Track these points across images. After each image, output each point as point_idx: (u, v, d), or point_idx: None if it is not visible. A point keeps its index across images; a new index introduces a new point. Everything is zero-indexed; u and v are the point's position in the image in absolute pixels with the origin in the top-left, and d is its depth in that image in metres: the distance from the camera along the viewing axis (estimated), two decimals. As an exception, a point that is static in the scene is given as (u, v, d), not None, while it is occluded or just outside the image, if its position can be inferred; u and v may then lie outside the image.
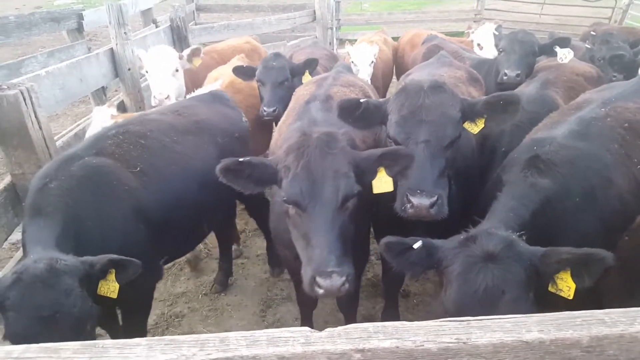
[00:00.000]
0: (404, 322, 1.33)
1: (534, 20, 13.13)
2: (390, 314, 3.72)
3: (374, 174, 2.33)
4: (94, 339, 2.21)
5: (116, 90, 7.54)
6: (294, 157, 2.22)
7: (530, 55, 4.34)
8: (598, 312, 1.27)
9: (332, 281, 2.00)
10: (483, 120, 2.54)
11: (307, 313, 3.49)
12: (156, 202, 2.79)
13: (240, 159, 2.27)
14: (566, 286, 1.94)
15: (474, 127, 2.56)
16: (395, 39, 8.02)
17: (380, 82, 6.55)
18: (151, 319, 3.90)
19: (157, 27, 7.87)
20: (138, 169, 2.75)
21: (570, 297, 1.94)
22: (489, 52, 5.46)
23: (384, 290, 3.88)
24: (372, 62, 5.84)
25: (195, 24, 10.75)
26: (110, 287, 2.26)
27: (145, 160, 2.85)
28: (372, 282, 4.35)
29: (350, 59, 5.83)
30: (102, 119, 3.75)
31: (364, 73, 5.67)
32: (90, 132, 3.57)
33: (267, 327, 3.88)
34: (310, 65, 4.65)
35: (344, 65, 4.43)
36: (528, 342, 1.22)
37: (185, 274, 4.49)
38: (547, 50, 4.36)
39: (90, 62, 4.72)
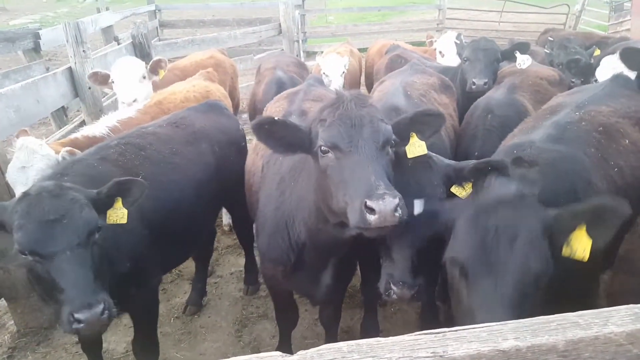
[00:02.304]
0: (379, 339, 1.27)
1: (494, 28, 13.53)
2: (370, 324, 3.67)
3: (406, 140, 2.31)
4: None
5: (78, 111, 7.31)
6: (330, 110, 2.16)
7: (494, 62, 4.48)
8: (571, 315, 1.25)
9: (385, 203, 1.83)
10: (470, 185, 2.40)
11: (286, 332, 3.39)
12: (156, 210, 2.86)
13: (275, 118, 2.25)
14: (581, 247, 1.88)
15: (462, 192, 2.43)
16: (361, 50, 8.10)
17: (349, 92, 6.57)
18: (121, 347, 3.73)
19: (119, 44, 7.71)
20: (140, 177, 2.71)
21: (585, 259, 1.87)
22: (451, 60, 5.57)
23: (363, 301, 3.84)
24: (344, 72, 5.86)
25: (160, 41, 10.60)
26: (118, 214, 2.38)
27: (147, 170, 2.94)
28: (349, 293, 4.29)
29: (321, 70, 5.84)
30: (27, 153, 3.15)
31: (336, 84, 5.67)
32: (12, 168, 3.16)
33: (243, 348, 3.77)
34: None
35: (315, 77, 4.40)
36: (505, 351, 1.19)
37: (155, 297, 4.33)
38: (508, 55, 4.49)
39: (47, 82, 4.55)
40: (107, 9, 10.92)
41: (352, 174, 2.00)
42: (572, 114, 2.75)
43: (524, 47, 4.41)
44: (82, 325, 2.02)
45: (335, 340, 3.40)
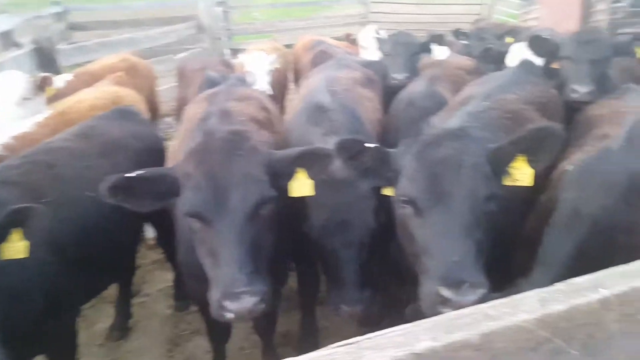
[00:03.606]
0: (292, 359, 1.19)
1: (416, 20, 13.91)
2: (308, 327, 3.59)
3: (291, 176, 2.14)
4: None
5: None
6: (196, 161, 1.96)
7: (413, 56, 4.57)
8: (483, 306, 1.23)
9: (242, 303, 1.79)
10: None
11: (219, 346, 3.23)
12: (70, 234, 2.62)
13: (129, 174, 1.98)
14: (522, 174, 1.95)
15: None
16: (288, 46, 8.00)
17: (277, 90, 6.46)
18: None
19: (19, 50, 7.05)
20: (48, 199, 2.48)
21: (531, 184, 1.96)
22: (373, 54, 5.61)
23: (300, 303, 3.75)
24: (270, 70, 5.69)
25: (69, 44, 9.86)
26: (16, 248, 2.08)
27: (58, 190, 2.68)
28: (286, 295, 4.18)
29: (246, 68, 5.64)
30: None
31: (263, 82, 5.50)
32: None
33: (175, 368, 3.58)
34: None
35: (237, 77, 4.25)
36: (419, 354, 1.14)
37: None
38: (426, 48, 4.59)
39: None
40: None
41: (213, 256, 1.89)
42: (482, 103, 2.84)
43: (439, 39, 4.54)
44: None
45: (272, 348, 3.30)
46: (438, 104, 3.44)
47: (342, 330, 3.61)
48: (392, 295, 3.26)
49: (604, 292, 1.26)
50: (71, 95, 4.26)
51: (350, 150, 2.00)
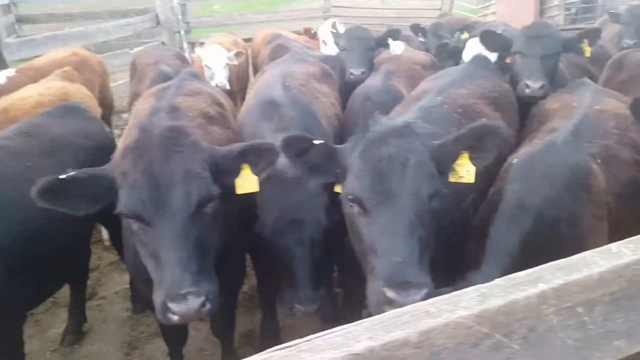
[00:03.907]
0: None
1: (378, 15, 13.98)
2: (269, 325, 3.56)
3: (236, 172, 2.08)
4: None
5: None
6: (132, 160, 1.87)
7: (370, 51, 4.57)
8: (424, 304, 1.23)
9: (187, 304, 1.72)
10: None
11: (176, 349, 3.15)
12: (12, 237, 2.48)
13: (62, 176, 1.87)
14: (465, 171, 1.98)
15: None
16: (247, 40, 7.87)
17: (236, 85, 6.35)
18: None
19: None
20: None
21: (472, 181, 1.98)
22: (333, 48, 5.59)
23: (261, 302, 3.71)
24: (227, 64, 5.58)
25: (18, 38, 9.39)
26: None
27: None
28: (249, 295, 4.14)
29: (203, 63, 5.51)
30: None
31: (220, 76, 5.37)
32: None
33: (132, 373, 3.48)
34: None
35: (189, 71, 4.12)
36: (358, 354, 1.13)
37: (25, 331, 3.81)
38: (383, 43, 4.60)
39: None
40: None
41: (156, 258, 1.82)
42: (435, 98, 2.87)
43: (395, 34, 4.56)
44: None
45: (232, 349, 3.25)
46: (394, 99, 3.46)
47: (305, 329, 3.60)
48: (353, 289, 3.28)
49: (541, 286, 1.28)
50: (15, 91, 4.04)
51: (297, 147, 1.97)
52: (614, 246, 1.42)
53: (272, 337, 3.38)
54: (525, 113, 3.34)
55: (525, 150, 2.53)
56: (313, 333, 1.15)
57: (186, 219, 1.82)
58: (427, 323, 1.17)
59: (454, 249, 2.34)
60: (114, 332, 3.78)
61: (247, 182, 2.09)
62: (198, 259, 1.80)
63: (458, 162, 1.97)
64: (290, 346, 1.15)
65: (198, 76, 3.97)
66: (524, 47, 3.60)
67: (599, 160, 2.41)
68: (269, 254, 2.33)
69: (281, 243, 2.21)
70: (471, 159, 1.97)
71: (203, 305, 1.76)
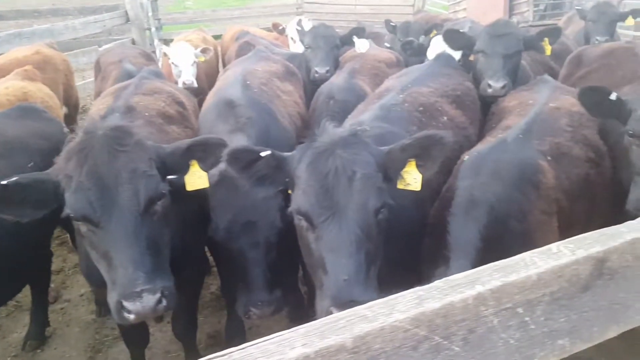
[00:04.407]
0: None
1: (352, 11, 13.96)
2: (234, 326, 3.53)
3: (185, 169, 2.06)
4: None
5: None
6: (76, 161, 1.84)
7: (334, 49, 4.57)
8: (360, 309, 1.23)
9: (142, 302, 1.71)
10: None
11: (137, 352, 3.10)
12: None
13: (3, 182, 1.81)
14: (412, 178, 2.00)
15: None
16: (217, 37, 7.77)
17: (205, 82, 6.27)
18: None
19: None
20: None
21: (419, 189, 2.00)
22: (300, 46, 5.56)
23: (226, 303, 3.68)
24: (195, 61, 5.50)
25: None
26: None
27: None
28: (216, 295, 4.10)
29: (170, 60, 5.42)
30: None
31: (187, 74, 5.29)
32: None
33: (96, 377, 3.41)
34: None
35: (150, 70, 4.05)
36: (291, 362, 1.12)
37: (-16, 338, 3.72)
38: (348, 40, 4.59)
39: None
40: None
41: (107, 258, 1.80)
42: (397, 97, 2.88)
43: (360, 32, 4.56)
44: None
45: (195, 351, 3.21)
46: (357, 97, 3.47)
47: (274, 328, 3.57)
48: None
49: (479, 288, 1.28)
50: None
51: (243, 160, 1.94)
52: (554, 246, 1.44)
53: (236, 337, 3.36)
54: (486, 110, 3.38)
55: (476, 148, 2.56)
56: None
57: (135, 218, 1.80)
58: (363, 327, 1.16)
59: (412, 248, 2.36)
60: (78, 335, 3.71)
61: (196, 179, 2.07)
62: (151, 257, 1.79)
63: (405, 169, 1.98)
64: (222, 355, 1.13)
65: (160, 74, 3.90)
66: (486, 46, 3.64)
67: (549, 157, 2.45)
68: (223, 257, 2.31)
69: (234, 246, 2.19)
70: (418, 166, 1.98)
71: (159, 302, 1.75)
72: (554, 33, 3.86)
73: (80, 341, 3.65)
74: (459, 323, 1.26)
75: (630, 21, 5.98)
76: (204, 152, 2.07)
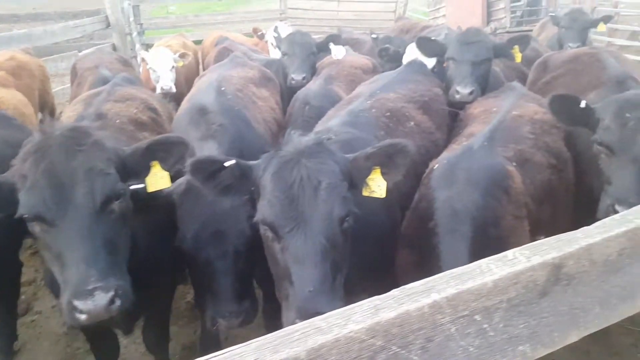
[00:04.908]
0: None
1: (335, 17, 14.04)
2: (209, 337, 3.48)
3: (146, 170, 2.03)
4: None
5: None
6: (32, 161, 1.81)
7: (311, 56, 4.58)
8: (317, 320, 1.22)
9: (95, 301, 1.65)
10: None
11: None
12: None
13: None
14: (377, 185, 2.00)
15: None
16: (198, 42, 7.75)
17: (185, 87, 6.23)
18: None
19: None
20: None
21: (383, 196, 2.01)
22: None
23: (200, 313, 3.64)
24: (173, 66, 5.46)
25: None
26: None
27: None
28: (192, 304, 4.05)
29: (148, 66, 5.38)
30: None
31: (166, 79, 5.27)
32: None
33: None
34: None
35: (124, 77, 4.02)
36: (243, 378, 1.10)
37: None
38: (324, 47, 4.62)
39: None
40: None
41: (60, 257, 1.75)
42: (365, 102, 2.91)
43: (336, 39, 4.60)
44: None
45: (167, 362, 3.16)
46: (333, 103, 3.48)
47: (250, 337, 3.53)
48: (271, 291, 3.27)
49: (434, 296, 1.28)
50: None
51: (206, 170, 1.91)
52: (509, 253, 1.45)
53: (211, 347, 3.31)
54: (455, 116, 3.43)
55: (444, 156, 2.58)
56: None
57: (90, 216, 1.77)
58: (317, 339, 1.15)
59: (382, 253, 2.36)
60: (48, 349, 3.63)
61: (158, 179, 2.05)
62: (105, 256, 1.75)
63: (370, 176, 1.98)
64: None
65: (133, 81, 3.86)
66: (456, 53, 3.69)
67: (514, 163, 2.48)
68: (191, 267, 2.28)
69: (201, 256, 2.17)
70: (383, 174, 1.98)
71: (112, 301, 1.70)
72: (524, 41, 3.93)
73: (50, 355, 3.57)
74: (416, 332, 1.25)
75: (602, 27, 6.13)
76: (165, 151, 2.05)
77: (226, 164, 1.92)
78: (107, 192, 1.82)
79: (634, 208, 1.69)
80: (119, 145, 2.17)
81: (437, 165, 2.47)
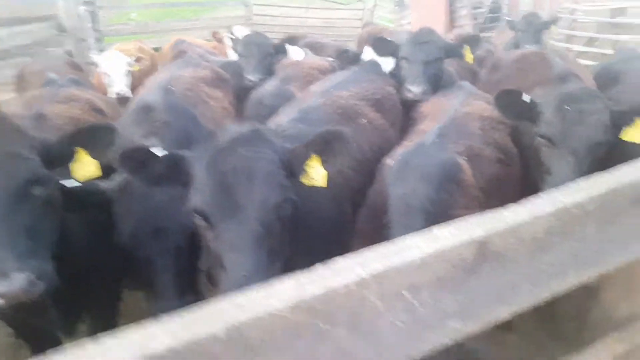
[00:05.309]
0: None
1: (303, 24, 14.14)
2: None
3: (71, 157, 2.02)
4: None
5: None
6: None
7: (267, 57, 4.57)
8: (237, 297, 1.18)
9: (11, 281, 1.60)
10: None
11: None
12: None
13: None
14: (317, 173, 1.99)
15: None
16: (157, 49, 7.67)
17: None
18: None
19: None
20: None
21: (324, 185, 2.00)
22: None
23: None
24: (128, 71, 5.38)
25: None
26: None
27: None
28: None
29: (101, 70, 5.29)
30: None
31: (120, 84, 5.18)
32: None
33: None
34: None
35: (70, 78, 3.98)
36: (158, 356, 1.06)
37: None
38: (281, 49, 4.65)
39: None
40: None
41: None
42: (316, 100, 2.93)
43: (292, 41, 4.65)
44: None
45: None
46: (287, 102, 3.48)
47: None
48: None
49: (360, 273, 1.28)
50: None
51: (135, 160, 1.87)
52: (436, 229, 1.46)
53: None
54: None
55: (398, 152, 2.63)
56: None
57: (7, 199, 1.72)
58: (237, 317, 1.11)
59: (329, 244, 2.37)
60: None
61: (84, 166, 2.02)
62: (24, 241, 1.69)
63: (309, 162, 1.98)
64: (80, 349, 1.07)
65: (80, 82, 3.79)
66: (408, 53, 3.78)
67: (465, 158, 2.54)
68: (133, 264, 2.23)
69: (139, 252, 2.12)
70: (323, 162, 1.98)
71: (33, 284, 1.64)
72: (473, 41, 4.06)
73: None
74: (341, 308, 1.24)
75: (554, 29, 6.42)
76: (91, 138, 2.02)
77: (158, 153, 1.88)
78: (26, 176, 1.78)
79: (563, 188, 1.74)
80: None
81: (391, 162, 2.50)
